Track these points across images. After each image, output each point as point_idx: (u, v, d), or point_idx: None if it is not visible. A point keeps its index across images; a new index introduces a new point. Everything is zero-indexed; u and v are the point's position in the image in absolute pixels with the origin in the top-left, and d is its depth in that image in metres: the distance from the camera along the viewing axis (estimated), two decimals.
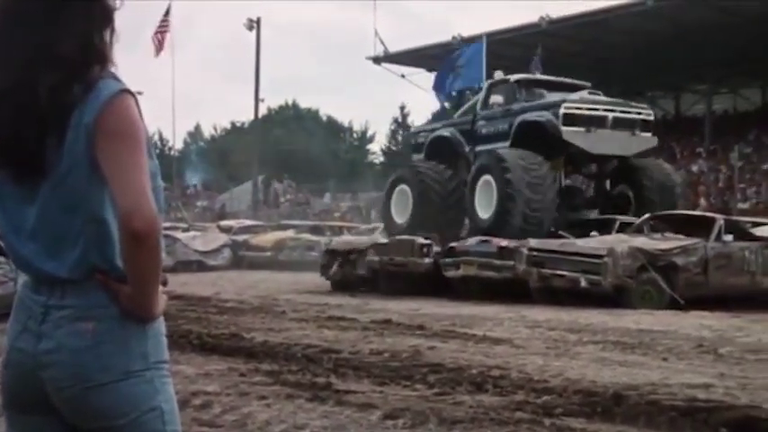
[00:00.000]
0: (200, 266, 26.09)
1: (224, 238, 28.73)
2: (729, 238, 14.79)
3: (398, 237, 17.90)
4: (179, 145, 66.45)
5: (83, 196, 1.96)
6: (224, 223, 33.28)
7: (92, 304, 1.98)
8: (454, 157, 18.99)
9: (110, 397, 1.97)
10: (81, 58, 1.96)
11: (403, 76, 37.36)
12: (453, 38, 32.92)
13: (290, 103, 72.53)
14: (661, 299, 13.75)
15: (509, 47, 29.72)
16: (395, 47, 36.66)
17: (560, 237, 16.09)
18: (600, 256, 13.98)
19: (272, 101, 71.35)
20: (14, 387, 2.04)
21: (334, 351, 8.46)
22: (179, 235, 27.35)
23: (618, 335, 10.18)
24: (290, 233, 29.35)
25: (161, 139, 65.48)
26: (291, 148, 60.35)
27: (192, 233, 28.69)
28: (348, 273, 18.34)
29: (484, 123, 18.40)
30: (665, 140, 24.71)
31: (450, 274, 16.12)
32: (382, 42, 36.20)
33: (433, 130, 20.06)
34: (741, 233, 15.13)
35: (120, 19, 2.05)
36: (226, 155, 60.92)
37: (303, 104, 73.03)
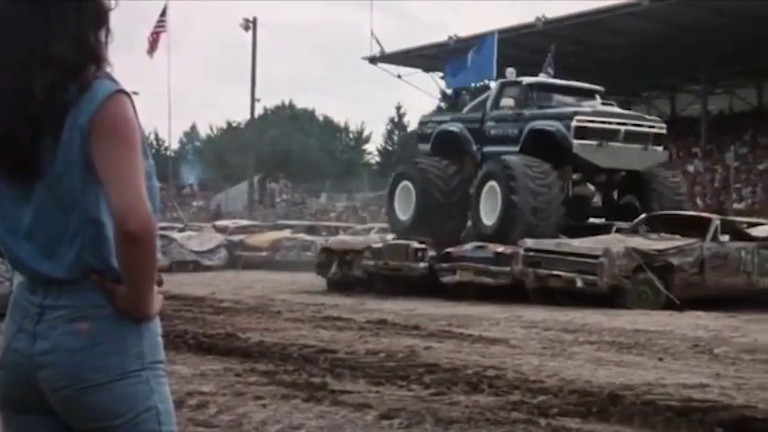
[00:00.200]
0: (195, 266, 26.09)
1: (220, 238, 28.72)
2: (725, 238, 14.81)
3: (392, 241, 17.84)
4: (175, 145, 66.37)
5: (78, 197, 1.96)
6: (220, 223, 33.27)
7: (87, 305, 1.98)
8: (460, 154, 18.66)
9: (106, 397, 1.97)
10: (76, 59, 1.96)
11: (399, 76, 37.35)
12: (449, 38, 32.89)
13: (286, 102, 72.53)
14: (657, 299, 13.77)
15: (506, 46, 29.64)
16: (391, 47, 36.63)
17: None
18: (596, 257, 14.00)
19: (268, 101, 71.21)
20: (10, 387, 2.04)
21: (330, 351, 8.47)
22: (175, 235, 27.36)
23: (614, 335, 10.20)
24: (285, 233, 29.32)
25: (157, 138, 65.49)
26: (287, 149, 60.36)
27: (187, 233, 28.70)
28: (344, 273, 18.32)
29: (493, 125, 18.07)
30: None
31: (447, 279, 16.08)
32: (378, 42, 36.18)
33: (440, 123, 19.63)
34: (737, 233, 15.16)
35: (115, 18, 2.05)
36: (222, 155, 60.80)
37: (299, 104, 73.13)
